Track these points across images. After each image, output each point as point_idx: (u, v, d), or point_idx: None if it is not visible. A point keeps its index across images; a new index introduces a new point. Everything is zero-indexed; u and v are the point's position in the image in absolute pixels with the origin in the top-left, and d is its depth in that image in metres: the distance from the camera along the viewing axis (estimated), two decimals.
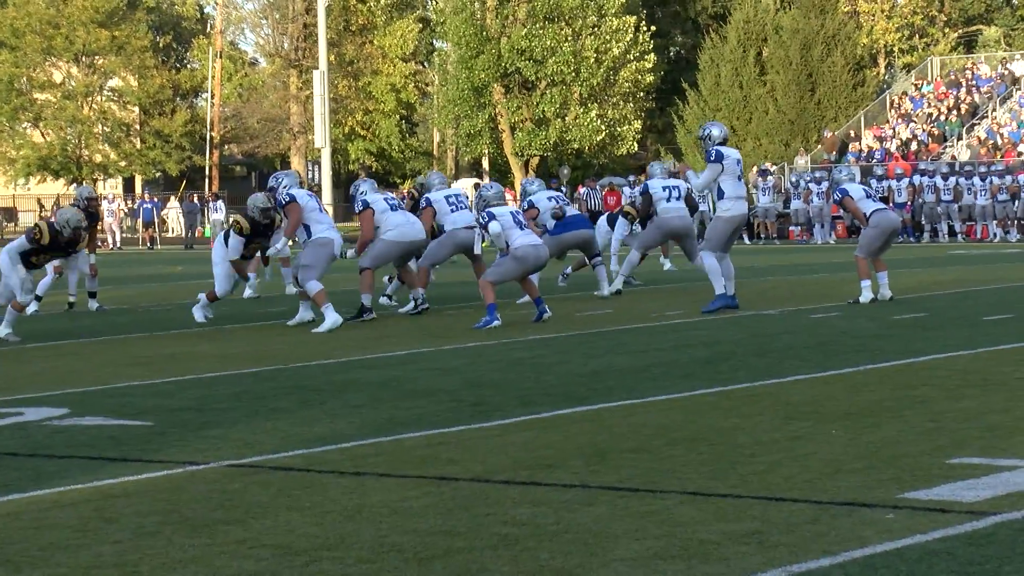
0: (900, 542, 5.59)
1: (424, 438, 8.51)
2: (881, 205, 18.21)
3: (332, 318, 16.04)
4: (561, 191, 40.92)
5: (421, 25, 77.50)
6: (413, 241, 17.72)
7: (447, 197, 18.50)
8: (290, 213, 16.79)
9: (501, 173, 69.97)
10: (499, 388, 10.85)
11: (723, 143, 16.99)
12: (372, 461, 7.80)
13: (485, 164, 71.07)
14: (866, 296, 17.58)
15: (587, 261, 20.56)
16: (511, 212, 16.90)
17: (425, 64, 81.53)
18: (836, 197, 18.54)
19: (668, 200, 20.04)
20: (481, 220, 16.88)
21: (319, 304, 16.27)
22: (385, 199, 18.01)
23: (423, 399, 10.28)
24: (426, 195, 18.76)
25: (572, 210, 20.34)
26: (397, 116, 76.10)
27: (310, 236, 16.71)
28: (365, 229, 17.62)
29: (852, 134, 55.66)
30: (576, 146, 63.59)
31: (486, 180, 59.86)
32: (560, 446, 8.08)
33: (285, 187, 17.03)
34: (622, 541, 5.79)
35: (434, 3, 70.95)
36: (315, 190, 47.46)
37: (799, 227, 47.07)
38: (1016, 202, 42.38)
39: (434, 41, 78.72)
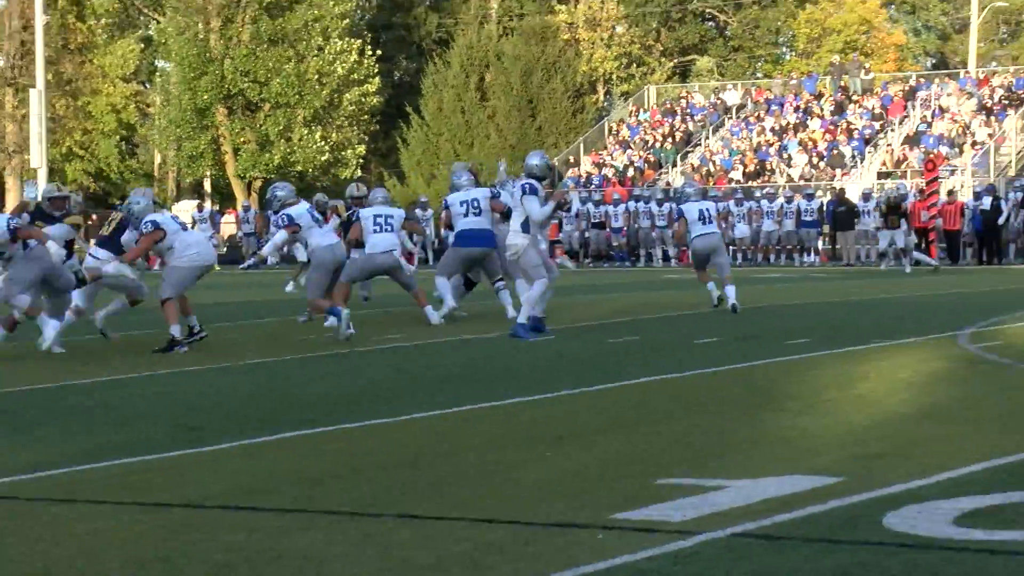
0: (610, 562, 5.69)
1: (138, 464, 8.37)
2: (706, 229, 19.66)
3: (50, 335, 15.52)
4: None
5: (143, 45, 76.15)
6: (207, 264, 16.28)
7: (375, 216, 18.18)
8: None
9: (224, 196, 69.19)
10: (214, 413, 10.75)
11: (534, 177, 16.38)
12: (84, 488, 7.64)
13: (207, 186, 70.12)
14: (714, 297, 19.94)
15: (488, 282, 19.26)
16: (308, 210, 17.21)
17: (147, 84, 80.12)
18: (675, 215, 19.86)
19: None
20: (280, 223, 16.98)
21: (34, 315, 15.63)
22: (173, 218, 16.71)
23: (137, 424, 10.11)
24: (357, 210, 18.81)
25: (482, 220, 18.39)
26: (117, 137, 74.60)
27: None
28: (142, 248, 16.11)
29: (571, 160, 56.59)
30: (300, 168, 63.23)
31: (207, 203, 58.92)
32: (276, 471, 8.04)
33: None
34: (337, 565, 5.80)
35: (156, 23, 69.80)
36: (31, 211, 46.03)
37: None
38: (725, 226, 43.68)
39: (156, 61, 77.48)
